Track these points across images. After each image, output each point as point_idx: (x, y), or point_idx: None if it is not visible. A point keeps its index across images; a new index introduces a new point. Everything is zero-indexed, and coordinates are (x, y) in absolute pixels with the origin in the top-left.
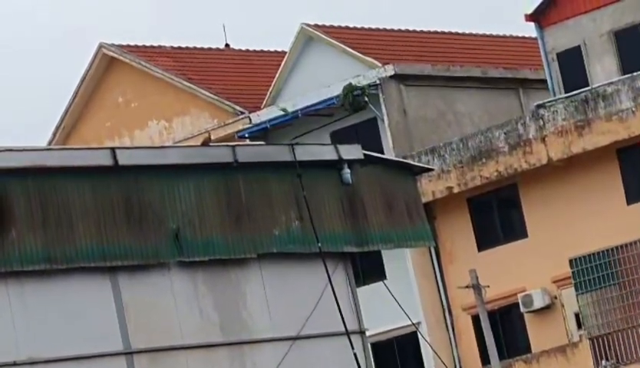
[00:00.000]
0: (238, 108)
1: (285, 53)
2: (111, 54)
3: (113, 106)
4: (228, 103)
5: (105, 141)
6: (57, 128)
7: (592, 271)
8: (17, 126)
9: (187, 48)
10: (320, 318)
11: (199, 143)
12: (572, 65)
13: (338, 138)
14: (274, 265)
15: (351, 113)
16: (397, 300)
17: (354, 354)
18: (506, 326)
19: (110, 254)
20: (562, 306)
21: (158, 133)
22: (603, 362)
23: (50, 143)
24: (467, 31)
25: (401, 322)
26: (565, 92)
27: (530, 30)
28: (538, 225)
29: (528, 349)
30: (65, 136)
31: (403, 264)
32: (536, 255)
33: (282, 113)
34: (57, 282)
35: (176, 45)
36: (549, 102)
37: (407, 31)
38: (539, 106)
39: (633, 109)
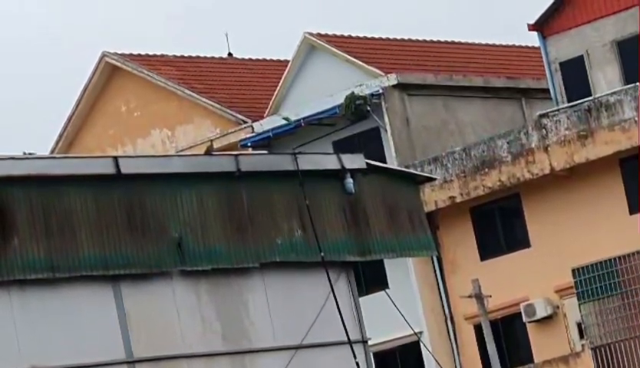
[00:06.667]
0: (241, 117)
1: (287, 62)
2: (114, 62)
3: (116, 115)
4: (231, 112)
5: (108, 150)
6: (60, 136)
7: (594, 281)
8: (20, 135)
9: (190, 57)
10: (322, 327)
11: (201, 152)
12: (575, 75)
13: (340, 147)
14: (276, 274)
15: (353, 123)
16: (399, 310)
17: (357, 363)
18: (508, 335)
19: (113, 263)
20: (565, 315)
21: (161, 141)
22: None
23: (52, 152)
24: (470, 41)
25: (404, 331)
26: (568, 101)
27: (533, 39)
28: (540, 235)
29: (530, 359)
30: (68, 145)
31: (405, 274)
32: (538, 265)
33: (284, 122)
34: (59, 291)
35: (179, 54)
36: (551, 111)
37: (410, 40)
38: (541, 116)
39: (636, 119)
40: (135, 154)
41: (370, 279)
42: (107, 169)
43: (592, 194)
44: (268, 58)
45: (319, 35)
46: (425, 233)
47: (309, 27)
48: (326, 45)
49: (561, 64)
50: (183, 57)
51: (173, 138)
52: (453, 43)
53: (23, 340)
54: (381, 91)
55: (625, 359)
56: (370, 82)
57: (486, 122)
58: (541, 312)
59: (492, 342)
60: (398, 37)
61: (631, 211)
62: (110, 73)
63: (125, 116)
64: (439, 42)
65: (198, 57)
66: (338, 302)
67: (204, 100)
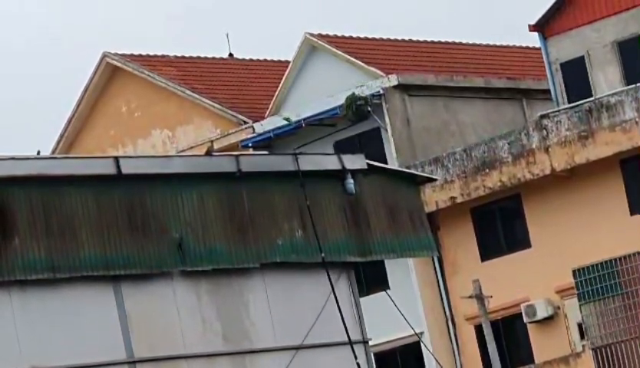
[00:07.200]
0: (241, 117)
1: (288, 62)
2: (115, 63)
3: (117, 116)
4: (231, 112)
5: (108, 150)
6: (61, 137)
7: (595, 282)
8: (20, 135)
9: (191, 58)
10: (323, 328)
11: (202, 153)
12: (576, 75)
13: (341, 148)
14: (277, 275)
15: (354, 123)
16: (400, 310)
17: (357, 364)
18: (509, 336)
19: (113, 263)
20: (565, 316)
21: (161, 142)
22: None
23: (53, 152)
24: (471, 41)
25: (404, 332)
26: (569, 102)
27: (534, 40)
28: (541, 236)
29: (531, 360)
30: (68, 145)
31: (406, 274)
32: (539, 265)
33: (285, 122)
34: (60, 291)
35: (179, 54)
36: (552, 112)
37: (411, 41)
38: (542, 117)
39: (637, 119)
40: (136, 154)
41: (370, 279)
42: (108, 169)
43: (593, 195)
44: (268, 59)
45: (320, 36)
46: (426, 233)
47: (310, 27)
48: (327, 46)
49: (562, 64)
50: (183, 57)
51: (174, 138)
52: (453, 43)
53: (23, 341)
54: (381, 92)
55: (626, 359)
56: (371, 83)
57: (486, 122)
58: (542, 312)
59: (492, 342)
60: (399, 38)
61: (632, 212)
62: (110, 74)
63: (126, 117)
64: (439, 43)
65: (199, 57)
66: (339, 302)
67: (205, 100)
